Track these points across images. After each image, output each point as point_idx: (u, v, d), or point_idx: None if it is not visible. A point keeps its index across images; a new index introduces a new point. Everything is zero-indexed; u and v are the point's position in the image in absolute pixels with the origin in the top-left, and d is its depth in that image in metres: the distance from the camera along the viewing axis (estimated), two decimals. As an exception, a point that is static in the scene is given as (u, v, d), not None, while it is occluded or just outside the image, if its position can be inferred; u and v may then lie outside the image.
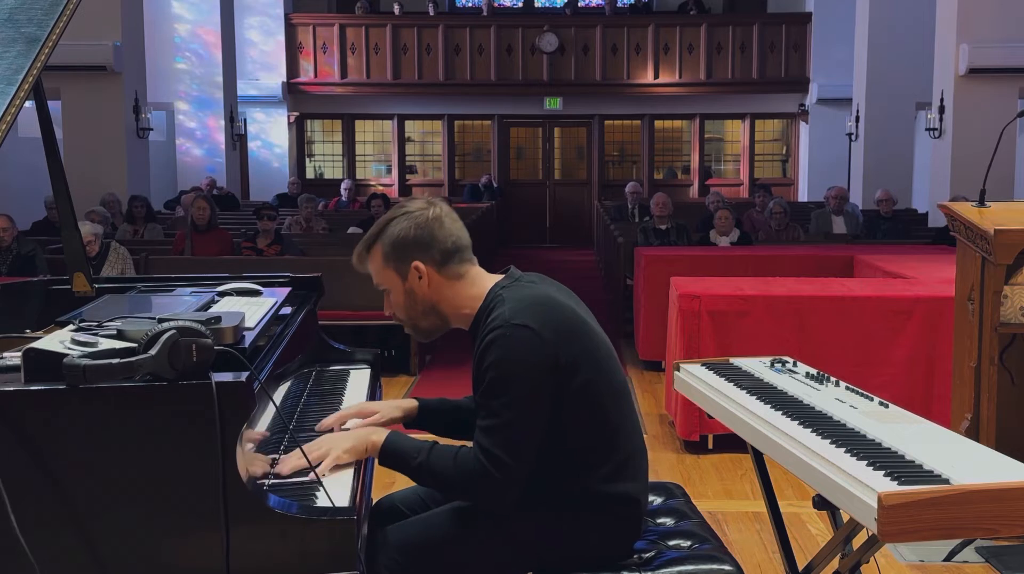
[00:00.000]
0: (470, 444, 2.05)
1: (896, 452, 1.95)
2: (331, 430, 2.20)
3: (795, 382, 2.53)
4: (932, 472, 1.83)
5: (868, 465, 1.86)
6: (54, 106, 6.72)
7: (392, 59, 15.71)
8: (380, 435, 2.09)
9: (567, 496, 2.09)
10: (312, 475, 1.93)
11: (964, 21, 9.76)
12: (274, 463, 2.00)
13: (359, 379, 2.76)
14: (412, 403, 2.33)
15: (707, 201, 10.87)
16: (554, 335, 2.00)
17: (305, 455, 1.96)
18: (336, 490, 1.89)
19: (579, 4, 17.20)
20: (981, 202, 3.50)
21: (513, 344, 1.97)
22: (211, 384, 1.69)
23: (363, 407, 2.30)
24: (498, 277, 2.17)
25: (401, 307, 2.16)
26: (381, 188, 15.45)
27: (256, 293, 2.55)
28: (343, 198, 13.33)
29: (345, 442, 2.06)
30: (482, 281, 2.15)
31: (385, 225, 2.13)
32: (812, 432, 2.09)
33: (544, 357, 1.98)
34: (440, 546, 2.07)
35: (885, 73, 12.48)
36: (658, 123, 16.63)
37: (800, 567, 2.52)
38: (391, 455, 2.06)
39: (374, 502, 2.37)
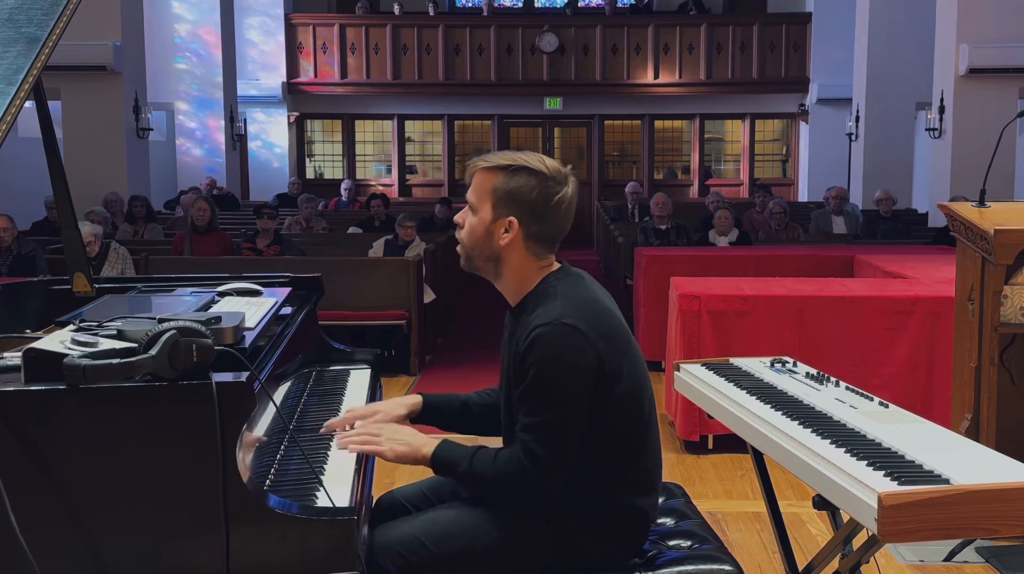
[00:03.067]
0: (482, 441, 2.08)
1: (896, 452, 1.95)
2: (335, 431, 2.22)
3: (795, 382, 2.52)
4: (932, 472, 1.83)
5: (868, 465, 1.86)
6: (54, 106, 6.72)
7: (392, 59, 15.71)
8: (430, 447, 2.10)
9: (583, 502, 2.09)
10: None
11: (964, 21, 9.76)
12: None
13: (359, 379, 2.76)
14: (416, 399, 2.34)
15: (707, 201, 10.87)
16: (601, 340, 2.01)
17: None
18: (336, 490, 1.90)
19: (579, 4, 17.20)
20: (981, 202, 3.50)
21: (561, 343, 1.98)
22: (211, 384, 1.69)
23: (368, 409, 2.30)
24: (556, 266, 2.17)
25: (471, 234, 2.14)
26: (381, 188, 15.44)
27: (256, 293, 2.55)
28: (343, 198, 13.33)
29: (399, 446, 2.10)
30: (546, 269, 2.15)
31: (519, 166, 2.09)
32: (812, 432, 2.09)
33: (589, 360, 1.99)
34: (444, 542, 2.06)
35: (885, 73, 12.48)
36: (658, 123, 16.63)
37: (800, 567, 2.52)
38: (440, 466, 2.09)
39: (376, 499, 2.37)
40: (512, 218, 2.08)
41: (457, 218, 2.18)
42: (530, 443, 1.99)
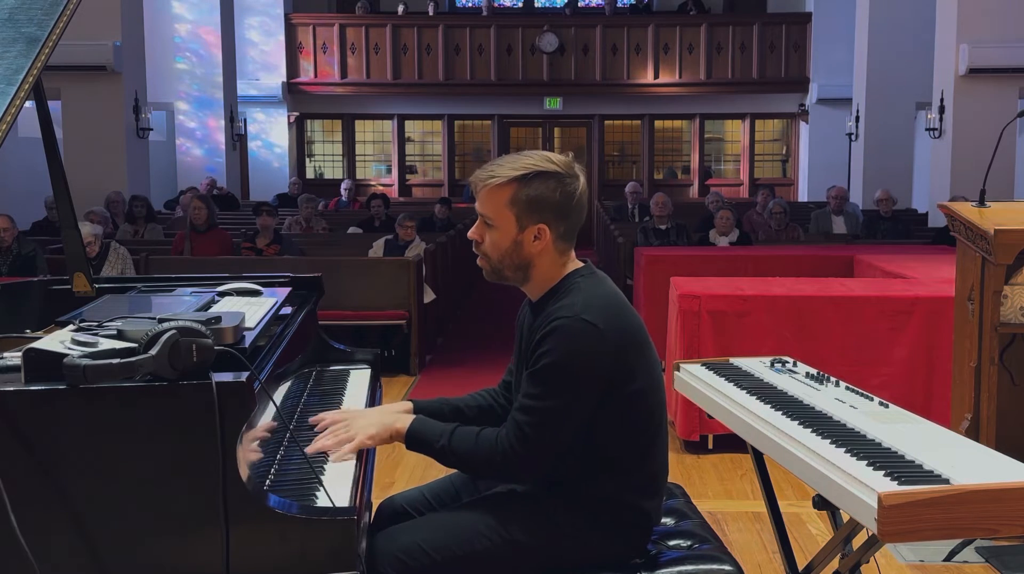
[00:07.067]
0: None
1: (896, 452, 1.95)
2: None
3: (795, 382, 2.52)
4: (932, 472, 1.83)
5: (868, 465, 1.86)
6: (54, 106, 6.71)
7: (392, 59, 15.71)
8: (404, 422, 2.13)
9: (586, 503, 2.09)
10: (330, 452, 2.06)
11: (964, 21, 9.77)
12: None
13: (359, 379, 2.76)
14: (407, 406, 2.33)
15: (707, 201, 10.88)
16: (618, 338, 2.02)
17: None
18: (336, 490, 1.89)
19: (579, 4, 17.20)
20: (981, 202, 3.50)
21: (576, 337, 1.98)
22: (211, 384, 1.69)
23: (350, 413, 2.29)
24: (579, 264, 2.18)
25: (497, 250, 2.12)
26: (381, 188, 15.45)
27: (256, 293, 2.55)
28: (343, 198, 13.34)
29: (371, 428, 2.12)
30: (569, 263, 2.16)
31: (531, 174, 2.07)
32: (812, 432, 2.09)
33: (602, 358, 2.00)
34: (444, 547, 2.06)
35: (885, 73, 12.48)
36: (658, 123, 16.63)
37: (800, 567, 2.52)
38: (415, 440, 2.11)
39: (378, 506, 2.37)
40: (541, 225, 2.09)
41: (473, 234, 2.16)
42: (523, 424, 2.00)
